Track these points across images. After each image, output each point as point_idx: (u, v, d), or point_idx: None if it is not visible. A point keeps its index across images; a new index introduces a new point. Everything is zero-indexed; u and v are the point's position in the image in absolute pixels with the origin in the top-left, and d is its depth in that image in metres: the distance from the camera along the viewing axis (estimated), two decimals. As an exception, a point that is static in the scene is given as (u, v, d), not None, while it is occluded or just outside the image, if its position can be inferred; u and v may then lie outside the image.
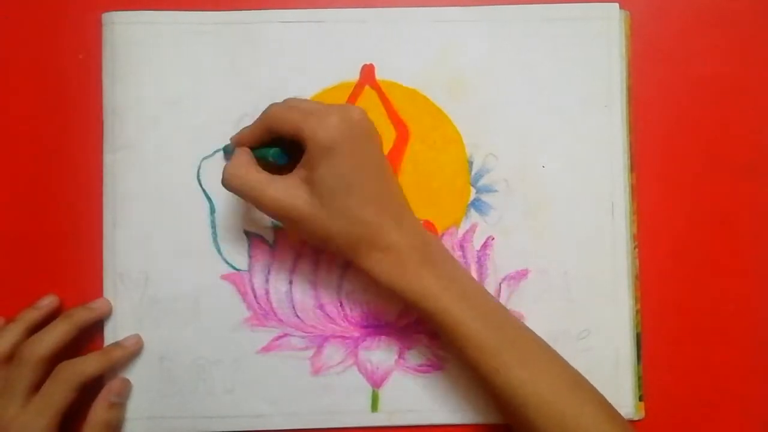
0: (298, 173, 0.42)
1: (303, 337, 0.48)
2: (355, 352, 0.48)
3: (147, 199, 0.47)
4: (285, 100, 0.44)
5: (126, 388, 0.46)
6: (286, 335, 0.48)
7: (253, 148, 0.44)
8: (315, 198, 0.41)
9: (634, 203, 0.49)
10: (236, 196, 0.46)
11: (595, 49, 0.49)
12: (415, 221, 0.44)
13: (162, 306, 0.47)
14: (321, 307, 0.48)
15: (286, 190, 0.41)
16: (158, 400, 0.47)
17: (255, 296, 0.48)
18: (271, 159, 0.44)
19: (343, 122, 0.41)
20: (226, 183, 0.43)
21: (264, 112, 0.43)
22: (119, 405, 0.46)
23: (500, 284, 0.48)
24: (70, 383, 0.43)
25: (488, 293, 0.44)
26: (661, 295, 0.48)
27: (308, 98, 0.47)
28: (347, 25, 0.48)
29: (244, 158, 0.43)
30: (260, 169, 0.43)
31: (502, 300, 0.48)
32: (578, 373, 0.43)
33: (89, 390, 0.45)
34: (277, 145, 0.44)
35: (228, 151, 0.47)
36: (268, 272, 0.48)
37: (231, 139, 0.46)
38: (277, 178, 0.42)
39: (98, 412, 0.45)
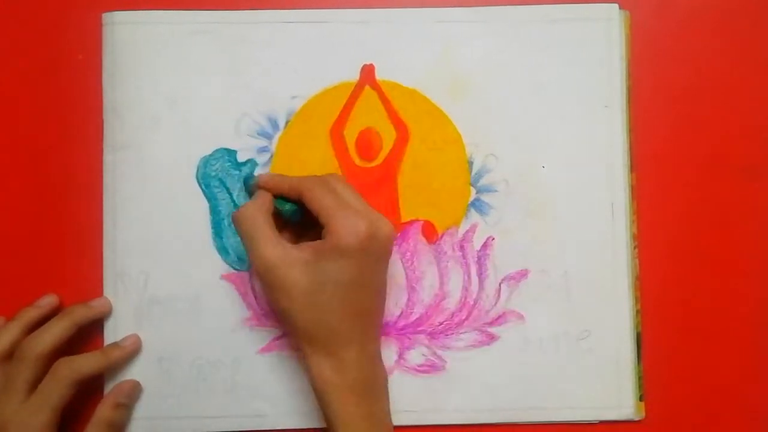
0: (303, 252, 0.41)
1: (303, 337, 0.47)
2: (355, 352, 0.48)
3: (147, 199, 0.47)
4: (327, 177, 0.43)
5: (135, 391, 0.46)
6: (286, 335, 0.48)
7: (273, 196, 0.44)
8: (304, 281, 0.40)
9: (634, 203, 0.49)
10: (233, 197, 0.47)
11: (595, 49, 0.49)
12: (377, 352, 0.44)
13: (162, 306, 0.47)
14: (321, 307, 0.48)
15: (284, 257, 0.41)
16: (158, 400, 0.47)
17: (255, 296, 0.48)
18: (285, 214, 0.44)
19: (369, 234, 0.40)
20: (235, 218, 0.42)
21: (302, 180, 0.43)
22: (125, 406, 0.46)
23: (500, 284, 0.48)
24: (68, 380, 0.43)
25: None
26: (661, 295, 0.48)
27: (351, 188, 0.45)
28: (347, 26, 0.48)
29: (265, 204, 0.43)
30: (273, 224, 0.42)
31: (502, 300, 0.48)
32: None
33: (87, 389, 0.45)
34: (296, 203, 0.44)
35: (248, 183, 0.46)
36: (268, 272, 0.48)
37: (258, 176, 0.45)
38: (283, 242, 0.41)
39: (104, 411, 0.45)
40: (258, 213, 0.42)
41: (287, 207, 0.44)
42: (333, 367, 0.41)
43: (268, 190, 0.44)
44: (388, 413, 0.44)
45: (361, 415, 0.41)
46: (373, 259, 0.41)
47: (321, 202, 0.41)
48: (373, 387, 0.43)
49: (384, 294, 0.44)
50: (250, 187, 0.46)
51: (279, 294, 0.41)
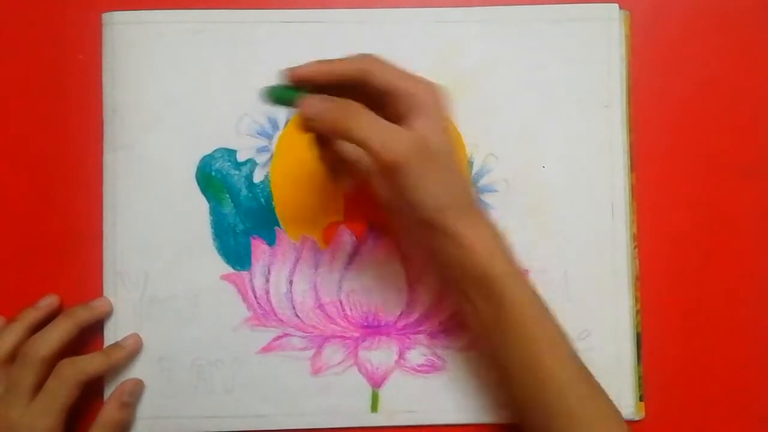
0: (406, 125, 0.39)
1: (303, 337, 0.48)
2: (355, 352, 0.48)
3: (147, 199, 0.47)
4: (372, 54, 0.41)
5: (138, 389, 0.47)
6: (286, 335, 0.48)
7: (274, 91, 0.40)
8: (421, 151, 0.39)
9: (634, 203, 0.49)
10: (233, 197, 0.47)
11: (595, 49, 0.49)
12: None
13: (162, 306, 0.47)
14: (321, 307, 0.48)
15: (394, 131, 0.39)
16: (158, 400, 0.47)
17: (255, 296, 0.48)
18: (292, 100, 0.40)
19: (443, 91, 0.40)
20: (307, 110, 0.39)
21: (357, 60, 0.40)
22: (130, 405, 0.46)
23: (500, 284, 0.48)
24: (73, 381, 0.43)
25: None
26: (661, 295, 0.48)
27: None
28: (347, 26, 0.48)
29: (325, 96, 0.40)
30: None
31: (502, 300, 0.48)
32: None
33: (87, 391, 0.45)
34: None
35: (273, 95, 0.41)
36: (268, 272, 0.48)
37: (288, 74, 0.40)
38: (376, 117, 0.39)
39: (109, 410, 0.45)
40: (332, 100, 0.39)
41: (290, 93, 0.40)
42: (479, 231, 0.41)
43: (311, 80, 0.40)
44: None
45: (516, 269, 0.42)
46: (448, 115, 0.41)
47: (395, 75, 0.40)
48: (506, 241, 0.43)
49: None
50: (271, 96, 0.41)
51: (401, 173, 0.39)
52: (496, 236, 0.42)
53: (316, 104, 0.39)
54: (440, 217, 0.40)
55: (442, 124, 0.40)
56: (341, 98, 0.40)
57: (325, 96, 0.40)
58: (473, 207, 0.42)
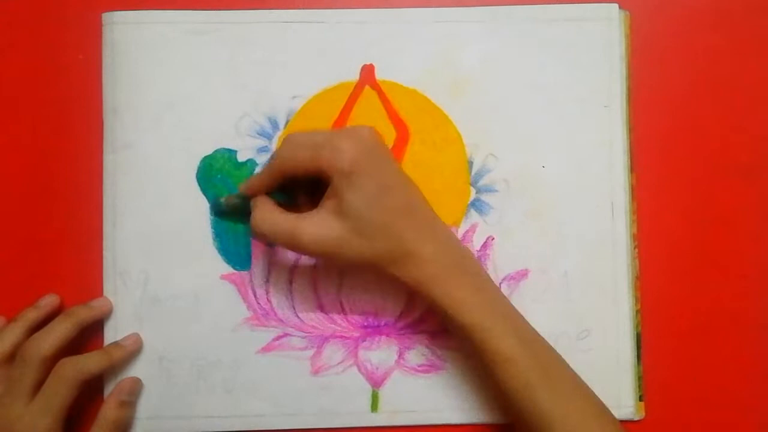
0: (326, 205, 0.42)
1: (303, 337, 0.48)
2: (355, 352, 0.48)
3: (147, 199, 0.48)
4: (286, 140, 0.43)
5: (137, 387, 0.47)
6: (286, 335, 0.48)
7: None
8: (348, 224, 0.41)
9: (634, 203, 0.49)
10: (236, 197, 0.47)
11: (595, 49, 0.49)
12: (448, 231, 0.45)
13: (162, 305, 0.47)
14: (321, 307, 0.48)
15: (320, 224, 0.42)
16: (158, 400, 0.47)
17: (255, 296, 0.48)
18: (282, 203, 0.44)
19: (357, 144, 0.41)
20: (257, 229, 0.43)
21: (272, 159, 0.43)
22: (129, 404, 0.46)
23: (500, 284, 0.48)
24: (72, 380, 0.43)
25: (518, 311, 0.44)
26: (661, 295, 0.48)
27: (313, 129, 0.47)
28: (347, 26, 0.48)
29: (268, 204, 0.43)
30: (285, 211, 0.43)
31: (502, 300, 0.48)
32: (602, 402, 0.43)
33: (87, 390, 0.45)
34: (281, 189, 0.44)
35: (218, 205, 0.47)
36: (268, 272, 0.48)
37: (240, 188, 0.46)
38: (306, 215, 0.42)
39: (108, 410, 0.45)
40: (268, 212, 0.43)
41: (277, 198, 0.44)
42: (426, 271, 0.42)
43: (255, 193, 0.45)
44: (493, 283, 0.45)
45: (476, 296, 0.42)
46: (376, 160, 0.42)
47: (302, 160, 0.42)
48: (467, 264, 0.44)
49: (411, 180, 0.44)
50: (223, 206, 0.47)
51: (342, 252, 0.42)
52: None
53: (260, 221, 0.43)
54: (372, 269, 0.43)
55: (369, 178, 0.41)
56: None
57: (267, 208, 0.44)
58: (410, 257, 0.42)
